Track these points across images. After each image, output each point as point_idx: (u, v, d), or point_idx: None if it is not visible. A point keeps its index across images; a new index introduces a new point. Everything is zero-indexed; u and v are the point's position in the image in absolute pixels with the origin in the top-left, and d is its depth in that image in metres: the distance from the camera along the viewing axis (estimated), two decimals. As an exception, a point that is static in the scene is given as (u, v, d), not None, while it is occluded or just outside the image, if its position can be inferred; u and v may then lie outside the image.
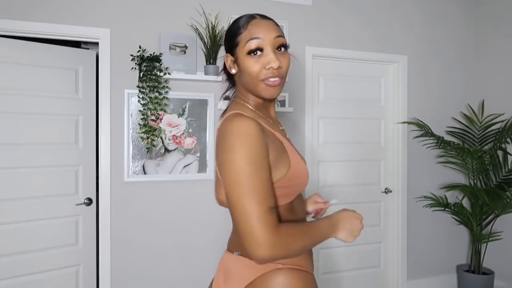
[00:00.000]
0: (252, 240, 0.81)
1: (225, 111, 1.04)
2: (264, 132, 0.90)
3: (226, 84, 1.11)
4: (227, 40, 0.98)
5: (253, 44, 0.91)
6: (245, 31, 0.92)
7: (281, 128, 1.07)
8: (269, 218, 0.82)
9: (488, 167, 2.98)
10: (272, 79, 0.92)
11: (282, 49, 0.94)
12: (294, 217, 0.99)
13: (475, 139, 3.15)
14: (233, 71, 0.99)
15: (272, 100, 1.03)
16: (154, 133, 2.43)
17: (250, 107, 1.00)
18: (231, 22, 1.03)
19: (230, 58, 0.98)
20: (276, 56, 0.92)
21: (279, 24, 2.71)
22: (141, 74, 2.32)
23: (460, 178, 3.34)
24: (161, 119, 2.46)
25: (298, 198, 1.04)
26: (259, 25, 0.93)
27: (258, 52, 0.91)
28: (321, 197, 1.24)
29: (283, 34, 0.96)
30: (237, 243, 1.01)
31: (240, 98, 1.02)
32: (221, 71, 1.08)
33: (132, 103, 2.42)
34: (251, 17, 0.95)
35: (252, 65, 0.91)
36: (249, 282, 0.93)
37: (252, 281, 0.93)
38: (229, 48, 0.97)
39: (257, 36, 0.91)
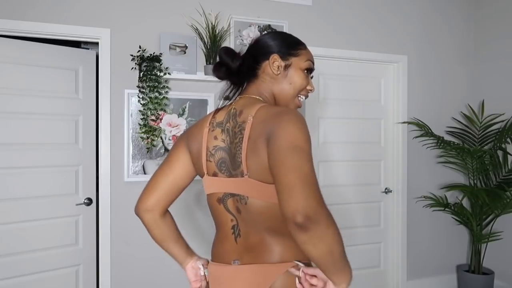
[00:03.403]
0: (307, 201, 0.71)
1: (220, 108, 1.03)
2: None
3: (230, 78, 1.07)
4: (286, 44, 1.01)
5: (310, 66, 1.03)
6: (305, 50, 1.04)
7: None
8: (318, 187, 0.76)
9: (488, 167, 2.98)
10: (303, 99, 1.06)
11: None
12: None
13: (475, 139, 3.15)
14: (278, 72, 1.00)
15: None
16: (154, 133, 2.43)
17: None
18: (273, 31, 1.08)
19: (281, 60, 1.00)
20: None
21: (279, 24, 2.72)
22: (141, 74, 2.32)
23: (460, 178, 3.34)
24: (161, 119, 2.46)
25: None
26: (311, 52, 1.06)
27: (308, 73, 1.04)
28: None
29: None
30: (233, 251, 0.97)
31: (259, 96, 1.00)
32: (235, 63, 1.02)
33: (132, 103, 2.42)
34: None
35: (303, 79, 1.02)
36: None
37: (271, 285, 0.89)
38: (284, 53, 1.00)
39: (313, 61, 1.05)
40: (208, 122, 1.02)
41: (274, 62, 1.00)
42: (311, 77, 1.07)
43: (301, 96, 1.04)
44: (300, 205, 0.70)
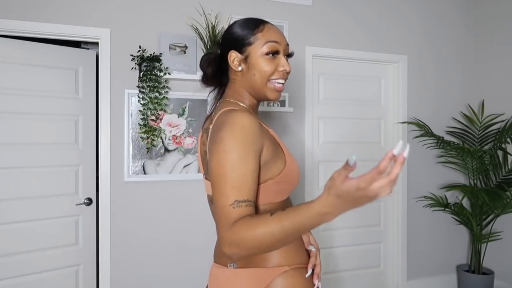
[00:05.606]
0: (218, 233, 0.80)
1: (210, 114, 1.05)
2: (262, 128, 0.90)
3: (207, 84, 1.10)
4: (236, 38, 0.98)
5: (273, 47, 0.96)
6: (261, 33, 0.96)
7: None
8: (231, 212, 0.78)
9: (488, 167, 2.98)
10: (281, 81, 0.98)
11: (287, 57, 1.02)
12: None
13: (475, 139, 3.15)
14: (239, 68, 0.98)
15: (259, 103, 1.06)
16: (154, 133, 2.43)
17: (245, 106, 1.01)
18: (232, 22, 1.04)
19: (237, 55, 0.98)
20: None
21: (279, 24, 2.72)
22: (141, 74, 2.32)
23: (460, 178, 3.34)
24: (161, 119, 2.46)
25: (288, 198, 1.05)
26: (275, 30, 0.98)
27: (274, 55, 0.96)
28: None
29: None
30: None
31: (233, 98, 1.01)
32: (209, 69, 1.05)
33: (132, 103, 2.42)
34: (264, 21, 0.99)
35: (267, 64, 0.96)
36: None
37: None
38: (237, 46, 0.97)
39: (276, 40, 0.96)
40: (202, 128, 1.08)
41: (233, 60, 0.98)
42: (287, 55, 1.00)
43: (277, 80, 0.97)
44: (223, 249, 0.78)
